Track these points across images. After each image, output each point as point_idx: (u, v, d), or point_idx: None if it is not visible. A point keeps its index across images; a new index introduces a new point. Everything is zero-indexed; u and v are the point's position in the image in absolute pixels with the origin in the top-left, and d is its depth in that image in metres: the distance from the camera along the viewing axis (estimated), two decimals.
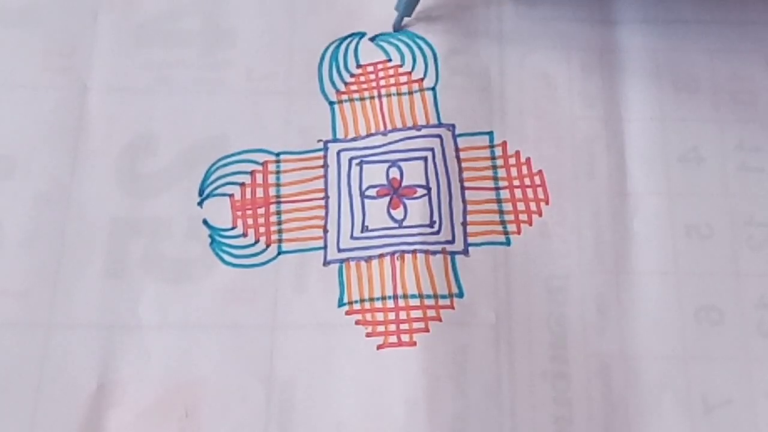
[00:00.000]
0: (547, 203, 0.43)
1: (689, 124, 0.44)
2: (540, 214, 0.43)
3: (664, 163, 0.44)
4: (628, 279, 0.42)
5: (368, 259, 0.42)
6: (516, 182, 0.43)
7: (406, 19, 0.46)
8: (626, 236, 0.43)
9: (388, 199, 0.43)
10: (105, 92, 0.45)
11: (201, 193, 0.44)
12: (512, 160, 0.44)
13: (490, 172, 0.44)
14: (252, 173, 0.44)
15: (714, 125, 0.44)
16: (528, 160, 0.44)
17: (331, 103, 0.45)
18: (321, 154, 0.44)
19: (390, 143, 0.44)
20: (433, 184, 0.43)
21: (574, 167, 0.43)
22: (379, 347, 0.40)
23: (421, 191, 0.42)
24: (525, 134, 0.44)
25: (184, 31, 0.47)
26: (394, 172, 0.43)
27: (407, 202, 0.42)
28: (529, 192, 0.43)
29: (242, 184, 0.44)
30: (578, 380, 0.40)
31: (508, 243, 0.42)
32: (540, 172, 0.44)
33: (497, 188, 0.43)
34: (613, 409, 0.40)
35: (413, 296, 0.40)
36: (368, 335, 0.40)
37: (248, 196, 0.43)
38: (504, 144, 0.44)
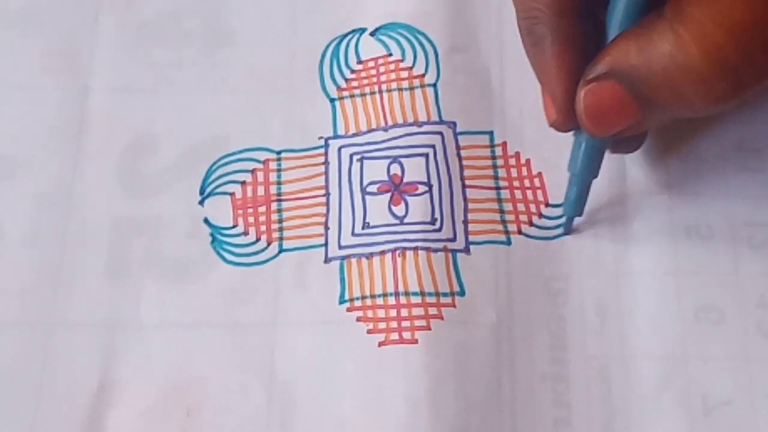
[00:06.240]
0: (546, 205, 0.43)
1: (690, 126, 0.44)
2: (540, 216, 0.43)
3: (664, 164, 0.44)
4: (628, 280, 0.42)
5: (369, 255, 0.42)
6: (516, 183, 0.44)
7: (577, 220, 0.43)
8: (626, 236, 0.43)
9: (389, 195, 0.43)
10: (106, 92, 0.46)
11: (202, 192, 0.44)
12: (512, 161, 0.44)
13: (490, 171, 0.44)
14: (253, 171, 0.44)
15: (714, 126, 0.45)
16: (528, 161, 0.44)
17: (332, 100, 0.45)
18: (322, 151, 0.44)
19: (391, 139, 0.44)
20: (434, 181, 0.43)
21: None
22: (380, 344, 0.40)
23: (422, 188, 0.42)
24: (525, 135, 0.45)
25: (184, 31, 0.47)
26: (395, 169, 0.43)
27: (408, 198, 0.42)
28: (529, 194, 0.43)
29: (243, 183, 0.44)
30: (578, 382, 0.40)
31: (508, 242, 0.42)
32: (540, 174, 0.44)
33: (498, 188, 0.43)
34: (612, 411, 0.40)
35: (414, 293, 0.40)
36: (369, 332, 0.40)
37: (249, 194, 0.44)
38: (504, 144, 0.44)
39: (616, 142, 0.41)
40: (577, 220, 0.43)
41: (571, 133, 0.41)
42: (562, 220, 0.43)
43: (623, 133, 0.39)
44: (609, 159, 0.43)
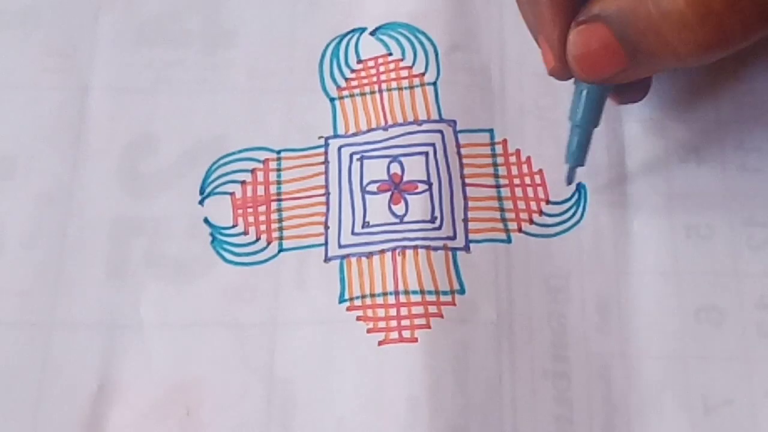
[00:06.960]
0: (547, 202, 0.43)
1: (690, 126, 0.44)
2: (540, 213, 0.43)
3: (664, 163, 0.44)
4: (628, 279, 0.42)
5: (369, 255, 0.42)
6: (516, 180, 0.44)
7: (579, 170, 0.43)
8: (626, 236, 0.43)
9: (389, 194, 0.43)
10: (106, 92, 0.46)
11: (202, 191, 0.44)
12: (512, 159, 0.44)
13: (490, 170, 0.44)
14: (253, 171, 0.44)
15: (714, 125, 0.45)
16: (528, 159, 0.44)
17: (332, 100, 0.45)
18: (322, 150, 0.44)
19: (391, 138, 0.44)
20: (434, 180, 0.43)
21: None
22: (380, 343, 0.40)
23: (422, 186, 0.42)
24: (525, 133, 0.44)
25: (184, 31, 0.47)
26: (395, 168, 0.43)
27: (408, 197, 0.42)
28: (530, 191, 0.43)
29: (243, 182, 0.44)
30: (579, 380, 0.40)
31: (509, 240, 0.42)
32: (540, 171, 0.44)
33: (498, 186, 0.43)
34: (613, 409, 0.40)
35: (414, 292, 0.40)
36: (369, 331, 0.40)
37: (249, 194, 0.44)
38: (504, 142, 0.44)
39: (619, 92, 0.41)
40: (579, 171, 0.43)
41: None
42: (563, 217, 0.43)
43: (613, 80, 0.38)
44: (608, 159, 0.43)
